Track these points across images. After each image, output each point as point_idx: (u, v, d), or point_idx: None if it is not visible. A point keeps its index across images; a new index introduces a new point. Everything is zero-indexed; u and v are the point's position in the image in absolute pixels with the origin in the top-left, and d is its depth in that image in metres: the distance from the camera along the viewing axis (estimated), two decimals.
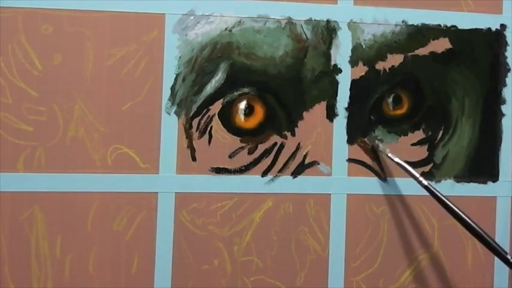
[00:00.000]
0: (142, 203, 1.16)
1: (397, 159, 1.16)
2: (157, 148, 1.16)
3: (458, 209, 1.05)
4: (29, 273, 1.13)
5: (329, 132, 1.21)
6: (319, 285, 1.20)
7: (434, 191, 1.09)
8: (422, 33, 1.24)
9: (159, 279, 1.15)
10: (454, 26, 1.25)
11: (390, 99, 1.23)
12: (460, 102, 1.25)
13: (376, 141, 1.19)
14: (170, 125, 1.16)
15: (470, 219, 1.04)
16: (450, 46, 1.25)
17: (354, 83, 1.21)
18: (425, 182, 1.11)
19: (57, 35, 1.14)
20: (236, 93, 1.18)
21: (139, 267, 1.15)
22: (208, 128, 1.17)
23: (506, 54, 1.27)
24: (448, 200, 1.07)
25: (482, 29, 1.26)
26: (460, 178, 1.25)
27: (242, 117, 1.18)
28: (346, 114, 1.21)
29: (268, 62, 1.19)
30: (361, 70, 1.22)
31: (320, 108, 1.21)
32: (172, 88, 1.16)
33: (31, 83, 1.13)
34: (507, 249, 1.26)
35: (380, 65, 1.22)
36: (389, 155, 1.17)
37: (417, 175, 1.12)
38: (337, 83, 1.21)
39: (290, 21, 1.20)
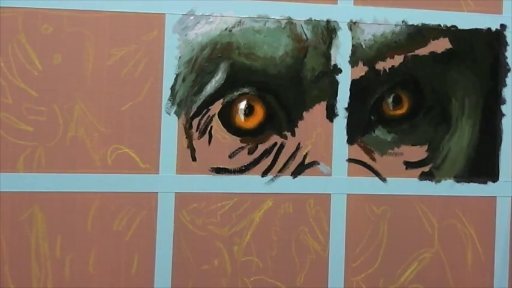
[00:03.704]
0: (142, 203, 1.16)
1: None
2: (157, 148, 1.16)
3: None
4: (29, 273, 1.13)
5: (329, 132, 1.21)
6: (319, 285, 1.20)
7: None
8: (422, 33, 1.24)
9: (159, 279, 1.15)
10: (454, 26, 1.25)
11: (390, 99, 1.23)
12: (460, 102, 1.25)
13: None
14: (170, 125, 1.16)
15: None
16: (450, 46, 1.24)
17: (354, 83, 1.21)
18: None
19: (57, 35, 1.14)
20: (236, 93, 1.18)
21: (139, 267, 1.15)
22: (208, 128, 1.17)
23: (506, 54, 1.27)
24: None
25: (482, 29, 1.26)
26: (460, 178, 1.25)
27: (242, 117, 1.18)
28: (346, 114, 1.21)
29: (268, 62, 1.19)
30: (361, 70, 1.22)
31: (320, 108, 1.21)
32: (172, 88, 1.16)
33: (31, 83, 1.13)
34: (507, 250, 1.26)
35: (380, 65, 1.22)
36: None
37: None
38: (337, 83, 1.21)
39: (290, 21, 1.20)
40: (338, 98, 1.21)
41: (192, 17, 1.17)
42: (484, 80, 1.25)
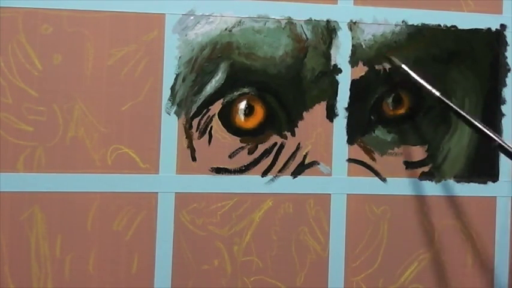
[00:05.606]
0: (142, 203, 1.16)
1: (411, 72, 1.17)
2: (157, 148, 1.16)
3: (469, 115, 1.08)
4: (29, 273, 1.13)
5: (329, 132, 1.21)
6: (319, 285, 1.20)
7: (446, 100, 1.11)
8: (422, 33, 1.24)
9: (159, 279, 1.15)
10: (454, 26, 1.25)
11: (390, 99, 1.23)
12: (460, 102, 1.25)
13: (392, 58, 1.20)
14: (170, 125, 1.16)
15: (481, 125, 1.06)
16: (450, 46, 1.25)
17: (354, 83, 1.21)
18: (437, 93, 1.12)
19: (57, 35, 1.14)
20: (236, 93, 1.18)
21: (139, 267, 1.15)
22: (208, 128, 1.17)
23: (506, 54, 1.27)
24: (460, 109, 1.09)
25: (482, 29, 1.26)
26: (460, 178, 1.25)
27: (242, 117, 1.18)
28: (346, 114, 1.21)
29: (268, 62, 1.19)
30: (361, 70, 1.22)
31: (320, 108, 1.21)
32: (172, 88, 1.16)
33: (31, 83, 1.13)
34: (507, 251, 1.26)
35: (380, 65, 1.22)
36: (403, 66, 1.17)
37: (430, 87, 1.14)
38: (337, 83, 1.21)
39: (290, 21, 1.20)
40: (338, 98, 1.21)
41: (192, 17, 1.17)
42: (484, 80, 1.25)
